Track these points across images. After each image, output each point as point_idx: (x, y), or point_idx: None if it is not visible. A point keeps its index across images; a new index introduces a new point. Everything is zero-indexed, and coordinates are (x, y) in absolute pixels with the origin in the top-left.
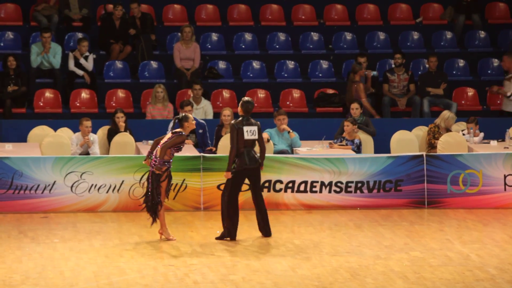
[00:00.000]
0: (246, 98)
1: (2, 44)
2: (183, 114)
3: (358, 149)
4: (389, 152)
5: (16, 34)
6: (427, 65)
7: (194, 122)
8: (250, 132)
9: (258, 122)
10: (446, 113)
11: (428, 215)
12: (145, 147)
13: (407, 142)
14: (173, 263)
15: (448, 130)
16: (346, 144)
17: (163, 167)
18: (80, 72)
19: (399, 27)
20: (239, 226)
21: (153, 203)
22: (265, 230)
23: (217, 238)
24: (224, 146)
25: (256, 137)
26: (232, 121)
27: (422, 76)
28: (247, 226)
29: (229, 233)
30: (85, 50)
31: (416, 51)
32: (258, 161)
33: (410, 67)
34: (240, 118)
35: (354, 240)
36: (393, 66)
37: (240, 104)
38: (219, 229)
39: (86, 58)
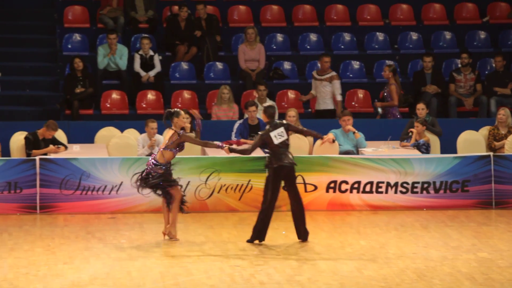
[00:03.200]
0: (266, 104)
1: (70, 46)
2: (175, 109)
3: (426, 150)
4: (455, 152)
5: (83, 36)
6: (494, 65)
7: (185, 119)
8: (278, 135)
9: (284, 121)
10: (501, 113)
11: (496, 216)
12: (210, 148)
13: (474, 142)
14: (239, 264)
15: (509, 129)
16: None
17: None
18: (143, 73)
19: (465, 27)
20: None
21: None
22: (300, 231)
23: (248, 241)
24: (290, 147)
25: (286, 136)
26: (260, 132)
27: (489, 75)
28: (313, 227)
29: (259, 234)
30: (148, 48)
31: (482, 50)
32: (294, 162)
33: (476, 66)
34: (267, 127)
35: (421, 241)
36: (459, 65)
37: (262, 111)
38: (284, 230)
39: (151, 58)
